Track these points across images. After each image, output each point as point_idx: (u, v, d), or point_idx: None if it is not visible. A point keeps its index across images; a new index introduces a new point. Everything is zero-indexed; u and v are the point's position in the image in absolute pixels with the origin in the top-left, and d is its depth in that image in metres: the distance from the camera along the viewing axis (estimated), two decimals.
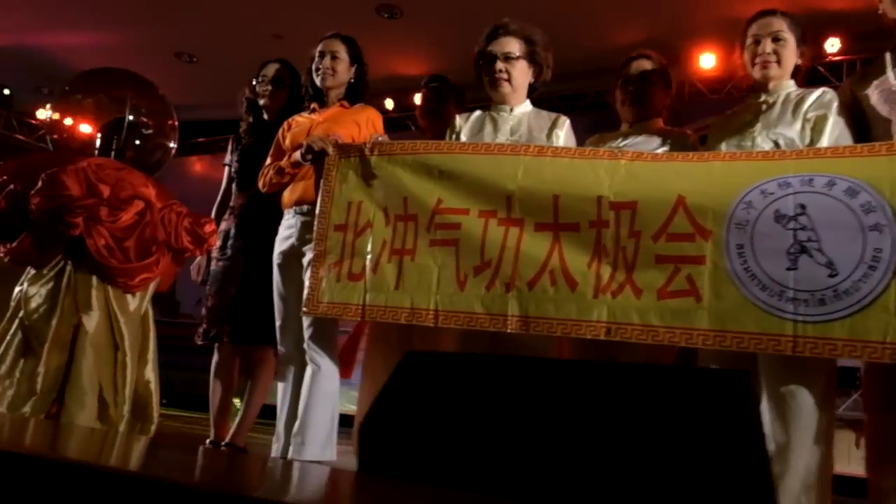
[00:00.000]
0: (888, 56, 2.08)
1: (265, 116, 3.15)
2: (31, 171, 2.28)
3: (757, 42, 2.20)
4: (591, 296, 2.11)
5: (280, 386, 2.71)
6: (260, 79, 3.10)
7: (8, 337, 2.25)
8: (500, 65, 2.48)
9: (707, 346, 1.97)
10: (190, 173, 8.91)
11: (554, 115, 2.56)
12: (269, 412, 3.19)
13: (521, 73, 2.50)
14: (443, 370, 1.40)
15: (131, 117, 2.40)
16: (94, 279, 2.27)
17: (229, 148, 3.15)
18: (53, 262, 2.28)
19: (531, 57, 2.50)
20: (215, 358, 3.00)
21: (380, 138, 2.53)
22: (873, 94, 2.04)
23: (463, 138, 2.53)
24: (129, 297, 2.33)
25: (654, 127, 2.51)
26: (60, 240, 2.24)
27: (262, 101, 3.11)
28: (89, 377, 2.20)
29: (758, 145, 2.12)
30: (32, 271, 2.30)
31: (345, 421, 2.67)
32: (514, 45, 2.49)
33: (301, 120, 2.82)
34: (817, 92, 2.13)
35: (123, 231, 2.25)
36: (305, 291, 2.50)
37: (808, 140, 2.08)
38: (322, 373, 2.57)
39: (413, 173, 2.43)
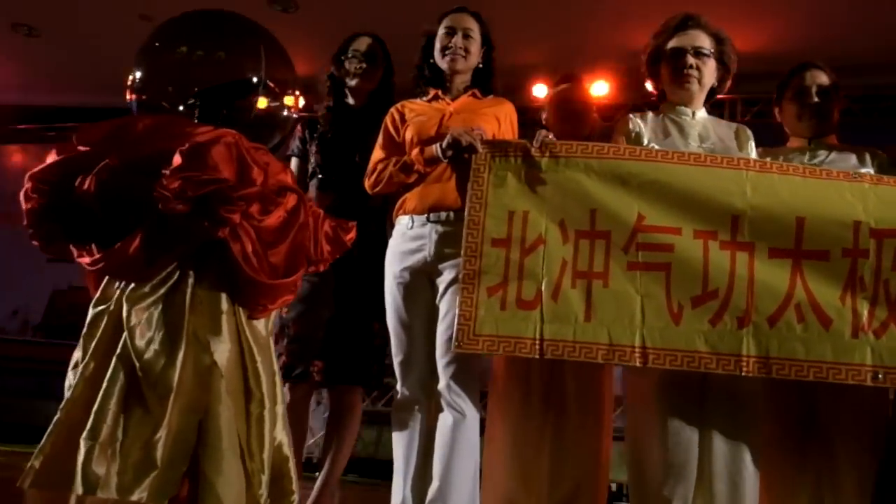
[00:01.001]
0: None
1: (350, 100, 2.64)
2: (135, 139, 1.66)
3: None
4: (849, 335, 1.90)
5: (401, 437, 2.22)
6: (350, 54, 2.59)
7: (105, 384, 1.59)
8: (690, 59, 2.21)
9: None
10: (8, 165, 7.67)
11: (734, 124, 2.34)
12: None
13: (710, 73, 2.25)
14: None
15: (255, 80, 1.83)
16: (224, 299, 1.68)
17: (298, 136, 2.60)
18: (163, 273, 1.66)
19: (721, 57, 2.26)
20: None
21: (550, 136, 2.17)
22: None
23: (645, 143, 2.23)
24: (255, 323, 1.77)
25: (833, 143, 2.37)
26: (183, 243, 1.64)
27: (352, 82, 2.60)
28: (230, 438, 1.61)
29: None
30: (125, 286, 1.66)
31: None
32: (705, 41, 2.24)
33: (420, 108, 2.37)
34: None
35: (273, 234, 1.69)
36: (455, 321, 2.06)
37: None
38: (467, 422, 2.14)
39: (602, 181, 2.10)
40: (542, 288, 2.06)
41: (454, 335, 2.06)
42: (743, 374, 1.93)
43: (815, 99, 2.34)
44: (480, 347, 2.06)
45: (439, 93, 2.38)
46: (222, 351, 1.66)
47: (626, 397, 2.24)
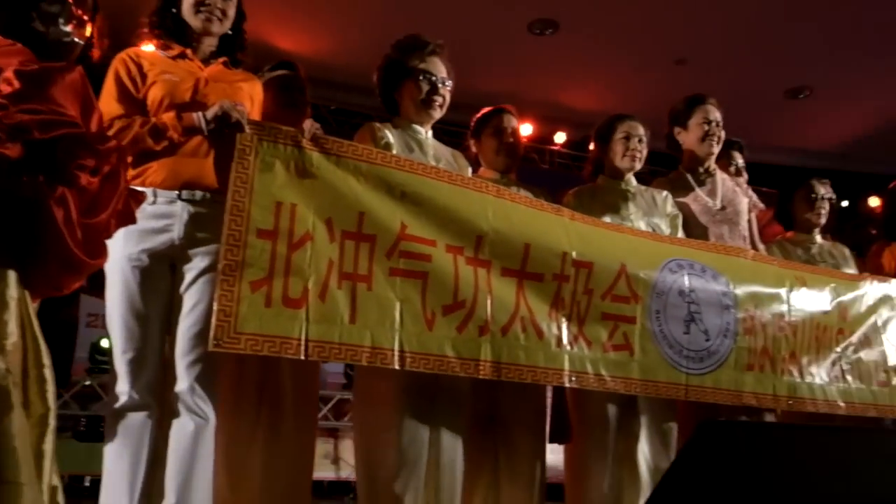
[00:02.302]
0: (689, 176, 3.03)
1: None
2: None
3: (628, 138, 2.84)
4: (554, 345, 2.36)
5: (125, 449, 1.93)
6: None
7: None
8: (441, 89, 2.45)
9: (637, 393, 2.49)
10: None
11: (449, 148, 2.64)
12: None
13: (447, 101, 2.52)
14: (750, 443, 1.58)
15: None
16: (13, 279, 1.24)
17: None
18: None
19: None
20: None
21: (320, 128, 2.16)
22: (692, 204, 2.95)
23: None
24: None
25: (513, 179, 2.86)
26: None
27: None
28: (28, 468, 1.18)
29: (638, 228, 2.75)
30: None
31: None
32: (445, 70, 2.49)
33: (165, 64, 2.09)
34: (664, 192, 2.91)
35: (91, 200, 1.30)
36: (210, 315, 1.91)
37: (668, 232, 2.83)
38: (209, 427, 1.99)
39: (370, 186, 2.18)
40: (310, 286, 2.05)
41: (212, 332, 1.90)
42: (480, 376, 2.23)
43: (511, 139, 2.81)
44: (242, 346, 1.94)
45: (188, 52, 2.14)
46: (11, 350, 1.27)
47: (357, 399, 2.36)
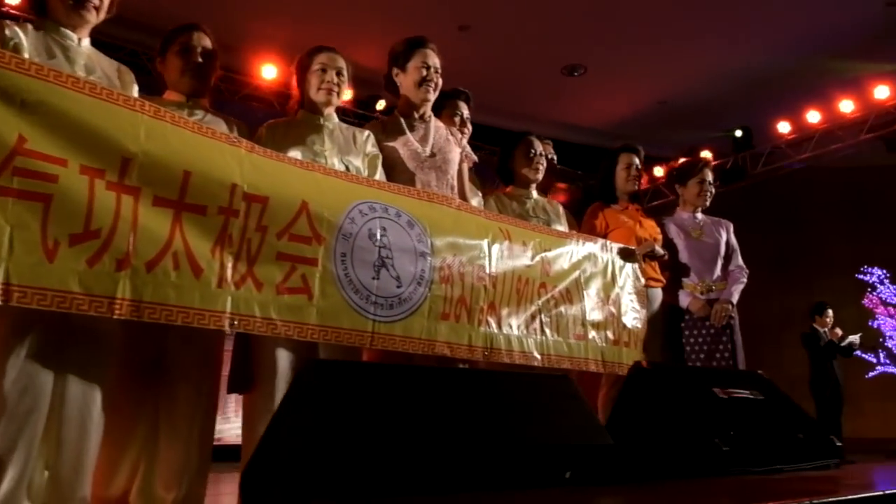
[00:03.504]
0: (402, 121, 2.89)
1: None
2: None
3: (324, 70, 2.66)
4: (215, 285, 2.13)
5: None
6: None
7: None
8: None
9: (315, 339, 2.31)
10: None
11: (115, 62, 2.31)
12: None
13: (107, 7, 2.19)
14: (349, 379, 1.44)
15: None
16: None
17: None
18: None
19: None
20: None
21: None
22: (401, 149, 2.81)
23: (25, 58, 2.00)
24: None
25: (205, 105, 2.58)
26: None
27: None
28: None
29: (332, 165, 2.57)
30: None
31: None
32: None
33: None
34: (366, 132, 2.75)
35: None
36: None
37: (366, 173, 2.67)
38: None
39: None
40: None
41: None
42: (115, 316, 1.95)
43: (200, 59, 2.53)
44: None
45: None
46: None
47: None
